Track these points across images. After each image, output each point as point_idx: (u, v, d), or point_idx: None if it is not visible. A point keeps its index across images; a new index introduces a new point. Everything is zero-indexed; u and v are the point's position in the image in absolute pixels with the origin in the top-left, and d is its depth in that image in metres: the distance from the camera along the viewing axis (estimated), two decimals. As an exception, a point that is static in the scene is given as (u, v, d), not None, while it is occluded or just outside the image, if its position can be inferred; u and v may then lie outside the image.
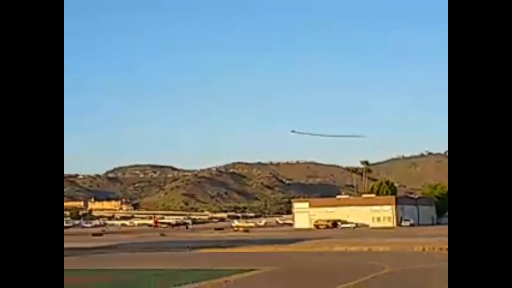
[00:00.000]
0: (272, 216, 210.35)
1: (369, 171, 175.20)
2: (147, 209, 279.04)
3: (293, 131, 33.63)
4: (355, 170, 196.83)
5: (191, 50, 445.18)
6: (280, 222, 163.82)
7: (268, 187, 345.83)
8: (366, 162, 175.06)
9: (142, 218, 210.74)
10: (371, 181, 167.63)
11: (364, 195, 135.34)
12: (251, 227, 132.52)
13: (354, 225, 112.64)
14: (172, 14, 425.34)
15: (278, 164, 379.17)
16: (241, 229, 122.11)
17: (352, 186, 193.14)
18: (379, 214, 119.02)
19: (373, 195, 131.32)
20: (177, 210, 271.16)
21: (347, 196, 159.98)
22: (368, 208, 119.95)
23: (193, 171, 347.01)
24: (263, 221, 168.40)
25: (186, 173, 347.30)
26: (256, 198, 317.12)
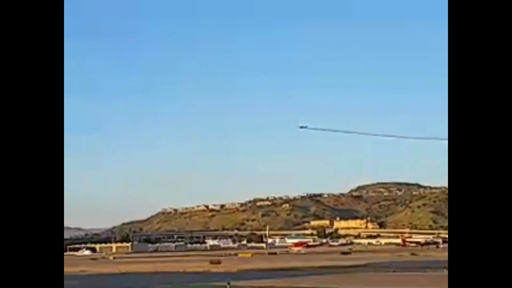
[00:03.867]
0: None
1: None
2: (393, 228, 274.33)
3: (302, 127, 27.96)
4: None
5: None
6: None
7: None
8: None
9: (389, 237, 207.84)
10: None
11: None
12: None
13: None
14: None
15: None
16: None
17: None
18: None
19: None
20: (425, 229, 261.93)
21: None
22: None
23: (441, 187, 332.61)
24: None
25: (433, 190, 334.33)
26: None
